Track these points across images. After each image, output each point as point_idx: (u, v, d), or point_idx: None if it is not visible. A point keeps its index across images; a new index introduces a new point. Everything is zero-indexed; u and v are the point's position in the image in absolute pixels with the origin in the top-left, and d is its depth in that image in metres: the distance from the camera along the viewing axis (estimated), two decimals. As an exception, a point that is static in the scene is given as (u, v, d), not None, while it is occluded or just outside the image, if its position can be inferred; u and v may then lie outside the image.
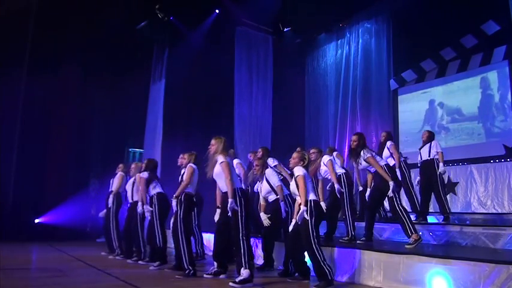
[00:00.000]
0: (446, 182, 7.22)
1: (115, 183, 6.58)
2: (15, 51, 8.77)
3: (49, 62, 9.02)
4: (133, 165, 6.37)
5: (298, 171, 4.19)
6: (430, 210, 6.18)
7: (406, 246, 4.51)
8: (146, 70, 10.44)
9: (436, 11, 8.39)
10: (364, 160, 5.02)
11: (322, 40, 11.59)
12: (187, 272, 4.56)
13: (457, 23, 8.15)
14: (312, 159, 5.53)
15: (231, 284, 3.99)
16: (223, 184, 4.35)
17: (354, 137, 5.23)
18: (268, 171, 5.06)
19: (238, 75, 10.66)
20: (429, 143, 6.10)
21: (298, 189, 4.09)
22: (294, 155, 4.42)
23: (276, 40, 11.43)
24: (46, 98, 9.10)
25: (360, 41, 10.42)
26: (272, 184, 4.95)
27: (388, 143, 6.23)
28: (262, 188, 5.08)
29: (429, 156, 5.98)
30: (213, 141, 4.54)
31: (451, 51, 8.76)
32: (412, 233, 4.59)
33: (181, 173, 5.02)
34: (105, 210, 6.61)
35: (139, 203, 5.58)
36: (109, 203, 6.47)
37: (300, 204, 4.08)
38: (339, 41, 11.09)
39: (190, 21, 10.33)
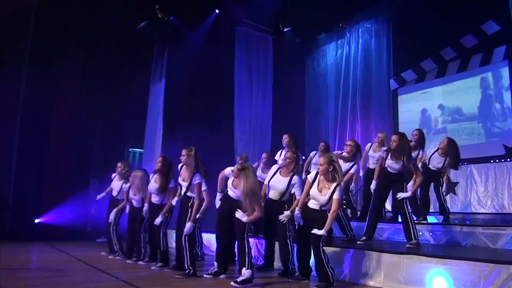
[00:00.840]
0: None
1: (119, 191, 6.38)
2: (15, 52, 8.76)
3: (48, 63, 9.01)
4: (134, 174, 5.85)
5: (339, 193, 3.90)
6: (430, 210, 6.17)
7: (408, 245, 4.53)
8: (146, 70, 10.43)
9: (436, 11, 8.38)
10: (411, 164, 4.74)
11: (322, 40, 11.58)
12: (187, 271, 4.55)
13: (457, 23, 8.14)
14: (347, 151, 5.43)
15: (232, 283, 4.00)
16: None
17: (395, 137, 4.77)
18: (299, 180, 4.60)
19: (238, 75, 10.66)
20: (445, 158, 5.73)
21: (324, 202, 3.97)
22: (321, 160, 3.98)
23: (276, 40, 11.43)
24: (46, 98, 9.06)
25: (360, 41, 10.42)
26: (295, 193, 4.57)
27: (420, 154, 5.90)
28: (277, 181, 4.65)
29: (440, 169, 5.81)
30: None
31: (451, 51, 8.77)
32: (414, 238, 4.60)
33: (188, 178, 4.69)
34: (103, 194, 6.55)
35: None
36: (110, 218, 6.27)
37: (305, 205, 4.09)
38: (339, 41, 11.09)
39: (190, 21, 10.31)
